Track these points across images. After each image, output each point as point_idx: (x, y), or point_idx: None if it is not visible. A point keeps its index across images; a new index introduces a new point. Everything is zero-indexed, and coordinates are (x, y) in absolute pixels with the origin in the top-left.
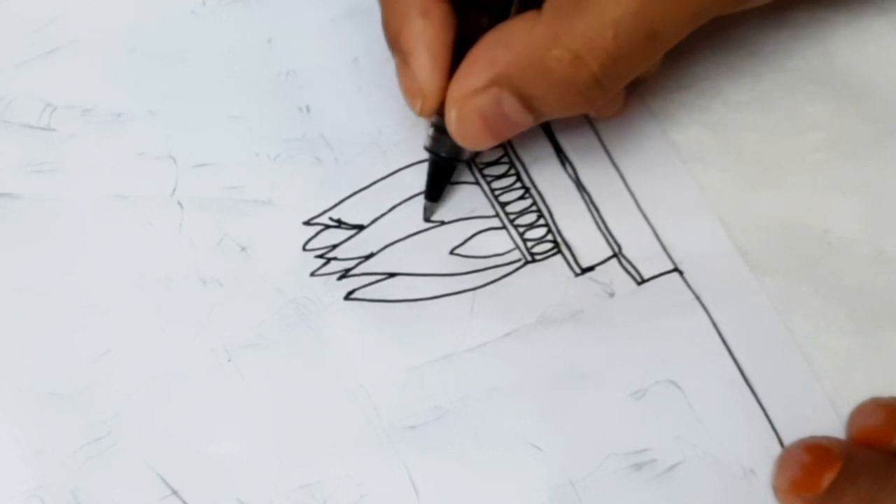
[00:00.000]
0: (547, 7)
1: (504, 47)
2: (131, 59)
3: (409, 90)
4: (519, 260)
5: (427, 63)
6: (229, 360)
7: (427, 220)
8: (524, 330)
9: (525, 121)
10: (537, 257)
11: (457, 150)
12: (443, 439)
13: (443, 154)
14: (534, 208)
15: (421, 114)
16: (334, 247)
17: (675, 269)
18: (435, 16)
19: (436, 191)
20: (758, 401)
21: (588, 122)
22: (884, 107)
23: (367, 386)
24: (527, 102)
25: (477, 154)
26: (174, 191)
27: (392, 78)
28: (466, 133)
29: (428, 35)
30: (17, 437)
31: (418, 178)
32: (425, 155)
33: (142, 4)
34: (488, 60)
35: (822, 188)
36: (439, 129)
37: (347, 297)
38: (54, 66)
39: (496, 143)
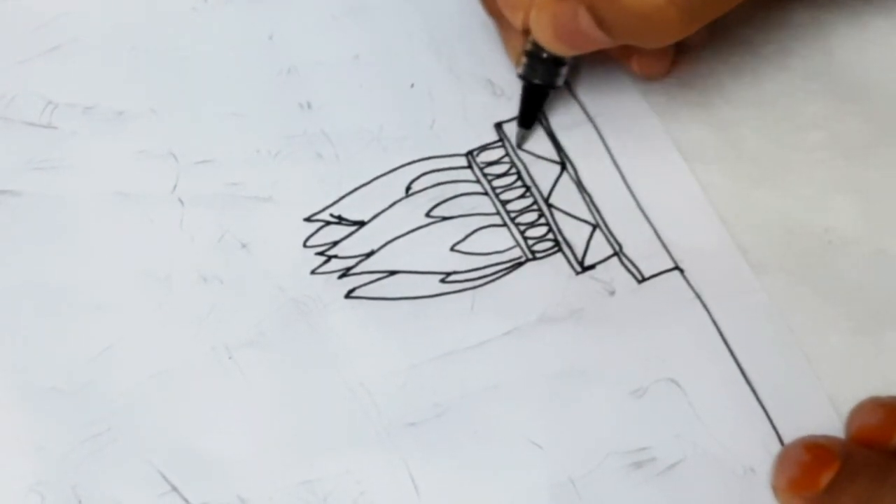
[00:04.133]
0: None
1: None
2: (132, 56)
3: (508, 3)
4: (519, 257)
5: None
6: (230, 358)
7: (519, 146)
8: (524, 328)
9: (600, 38)
10: (538, 255)
11: (549, 77)
12: (443, 437)
13: (536, 81)
14: (534, 207)
15: (523, 25)
16: (335, 243)
17: (676, 268)
18: None
19: (529, 117)
20: (758, 399)
21: (589, 121)
22: (884, 106)
23: (367, 383)
24: (600, 22)
25: (568, 82)
26: (175, 188)
27: (393, 75)
28: (542, 36)
29: None
30: (18, 433)
31: (418, 175)
32: (426, 153)
33: (143, 2)
34: None
35: (822, 187)
36: (532, 56)
37: (348, 295)
38: (56, 64)
39: (575, 52)
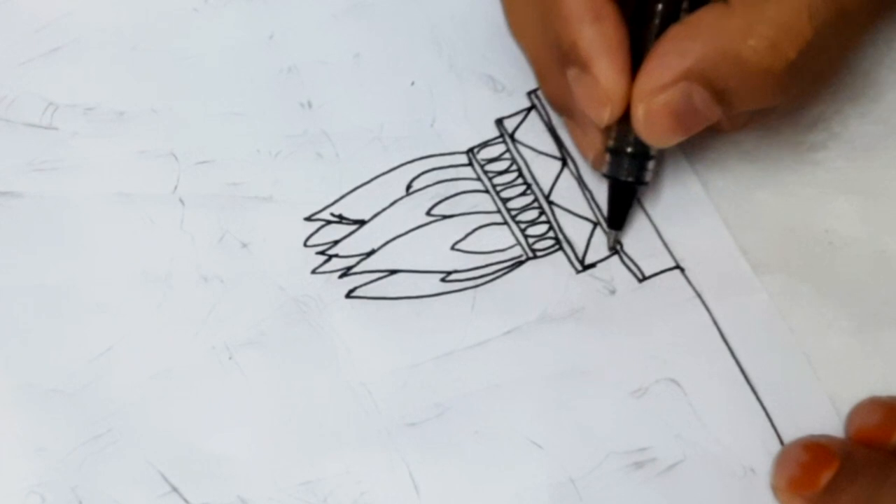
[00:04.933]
0: None
1: (693, 39)
2: (133, 57)
3: (594, 99)
4: (520, 256)
5: (610, 66)
6: (230, 358)
7: (612, 249)
8: (525, 327)
9: (715, 114)
10: (539, 254)
11: (638, 172)
12: (443, 437)
13: (623, 178)
14: (535, 205)
15: (610, 120)
16: (335, 243)
17: (677, 267)
18: (608, 17)
19: (619, 217)
20: (758, 399)
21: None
22: (884, 107)
23: (367, 383)
24: (719, 95)
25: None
26: (176, 188)
27: (393, 73)
28: (654, 129)
29: (605, 38)
30: (18, 434)
31: (419, 173)
32: (426, 151)
33: (143, 3)
34: (677, 53)
35: (822, 188)
36: (618, 153)
37: (349, 294)
38: (56, 65)
39: (684, 137)
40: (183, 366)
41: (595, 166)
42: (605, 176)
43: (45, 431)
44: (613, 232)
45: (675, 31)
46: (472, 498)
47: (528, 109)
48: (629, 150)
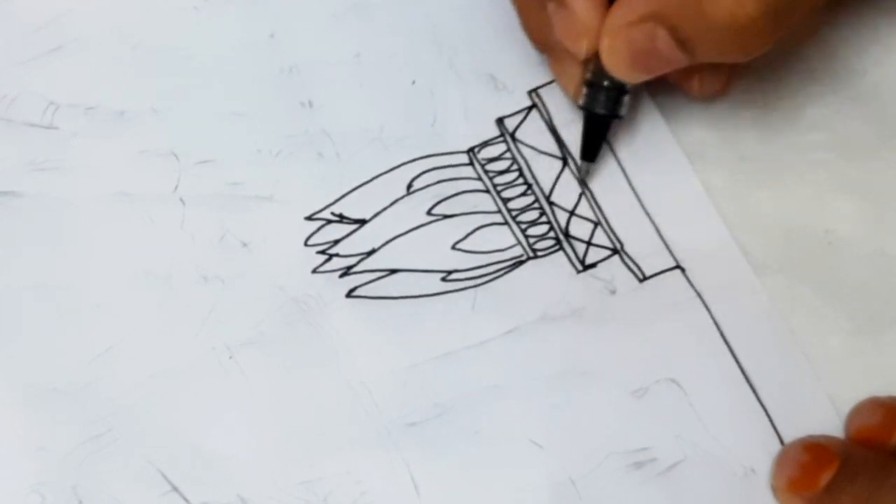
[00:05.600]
0: None
1: None
2: (134, 56)
3: (570, 33)
4: (521, 256)
5: (586, 1)
6: (230, 357)
7: (582, 179)
8: (525, 327)
9: (679, 59)
10: (539, 253)
11: (613, 106)
12: (443, 436)
13: (598, 111)
14: (536, 205)
15: (587, 53)
16: (336, 242)
17: (677, 267)
18: None
19: (592, 149)
20: (758, 399)
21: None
22: (884, 108)
23: (367, 383)
24: (682, 42)
25: (631, 109)
26: (176, 188)
27: (394, 72)
28: (617, 63)
29: None
30: (19, 433)
31: (419, 173)
32: (427, 150)
33: (144, 2)
34: None
35: (822, 188)
36: (594, 86)
37: (349, 294)
38: (57, 65)
39: (647, 77)
40: (183, 365)
41: (574, 99)
42: (581, 108)
43: (46, 431)
44: (586, 163)
45: None
46: (472, 497)
47: (529, 108)
48: (605, 83)
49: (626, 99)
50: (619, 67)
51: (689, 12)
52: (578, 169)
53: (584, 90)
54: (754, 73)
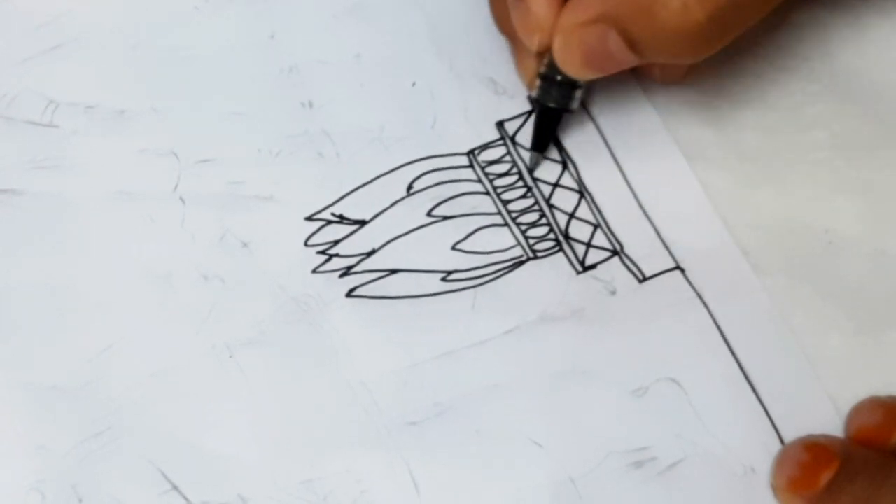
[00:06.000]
0: None
1: None
2: (134, 55)
3: (526, 26)
4: (521, 257)
5: None
6: (230, 357)
7: (532, 170)
8: (525, 327)
9: (629, 60)
10: (539, 254)
11: (564, 100)
12: (443, 436)
13: (550, 105)
14: (536, 207)
15: (539, 48)
16: (336, 242)
17: (677, 268)
18: None
19: (542, 141)
20: (758, 399)
21: (591, 120)
22: (884, 107)
23: (367, 382)
24: (632, 43)
25: (583, 103)
26: (176, 187)
27: (394, 74)
28: (568, 61)
29: None
30: (19, 432)
31: (419, 174)
32: (427, 152)
33: (145, 1)
34: None
35: (822, 187)
36: (547, 79)
37: (349, 294)
38: (57, 63)
39: (598, 75)
40: (183, 364)
41: (529, 90)
42: (533, 100)
43: (46, 429)
44: (536, 154)
45: None
46: (471, 497)
47: (530, 113)
48: (558, 78)
49: (578, 93)
50: (571, 65)
51: (639, 16)
52: (529, 159)
53: (538, 83)
54: (753, 73)
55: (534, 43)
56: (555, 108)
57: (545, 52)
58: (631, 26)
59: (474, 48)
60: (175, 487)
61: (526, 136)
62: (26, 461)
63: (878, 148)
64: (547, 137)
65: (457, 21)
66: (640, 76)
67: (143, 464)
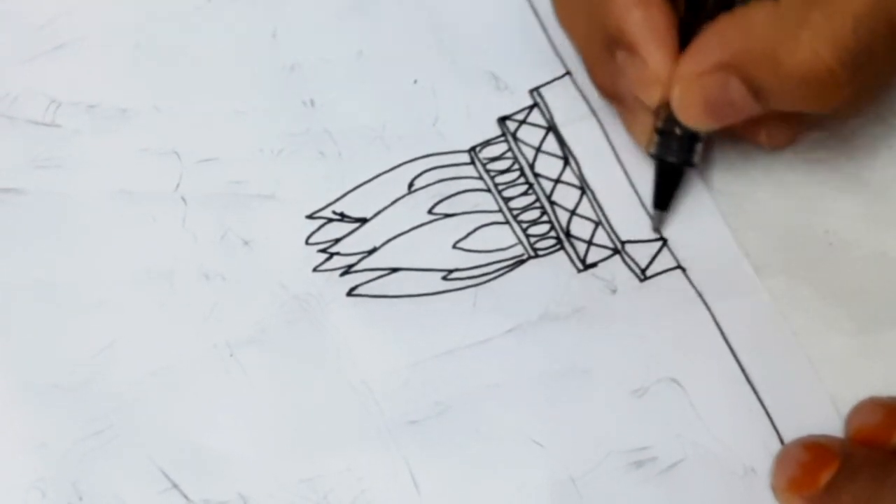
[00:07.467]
0: None
1: (738, 32)
2: (136, 54)
3: (642, 82)
4: (522, 255)
5: (657, 48)
6: (231, 355)
7: (656, 230)
8: (526, 326)
9: (752, 109)
10: (540, 253)
11: (685, 154)
12: (444, 435)
13: (670, 159)
14: (537, 204)
15: (660, 102)
16: (337, 241)
17: (678, 267)
18: (654, 2)
19: (664, 198)
20: (759, 399)
21: (593, 115)
22: (884, 107)
23: (368, 381)
24: (756, 91)
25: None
26: (178, 186)
27: (395, 71)
28: (688, 112)
29: (652, 21)
30: (19, 429)
31: (420, 172)
32: (429, 149)
33: (146, 0)
34: (720, 43)
35: (822, 188)
36: (665, 134)
37: (350, 292)
38: (59, 63)
39: (718, 126)
40: (184, 363)
41: (645, 149)
42: (653, 156)
43: (47, 427)
44: (658, 213)
45: (722, 21)
46: (472, 496)
47: (531, 108)
48: (677, 131)
49: (699, 147)
50: (691, 116)
51: (763, 62)
52: (652, 219)
53: (656, 138)
54: None
55: (653, 96)
56: (675, 164)
57: (661, 107)
58: (755, 72)
59: (476, 44)
60: (175, 485)
61: (527, 133)
62: (26, 459)
63: (878, 148)
64: (669, 194)
65: (458, 18)
66: (745, 140)
67: (143, 462)
